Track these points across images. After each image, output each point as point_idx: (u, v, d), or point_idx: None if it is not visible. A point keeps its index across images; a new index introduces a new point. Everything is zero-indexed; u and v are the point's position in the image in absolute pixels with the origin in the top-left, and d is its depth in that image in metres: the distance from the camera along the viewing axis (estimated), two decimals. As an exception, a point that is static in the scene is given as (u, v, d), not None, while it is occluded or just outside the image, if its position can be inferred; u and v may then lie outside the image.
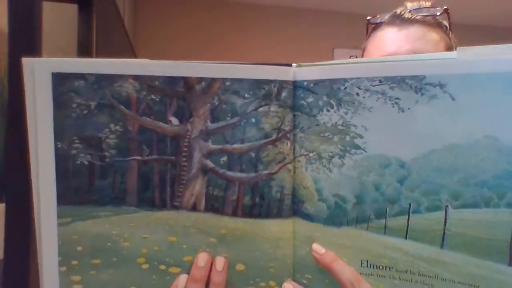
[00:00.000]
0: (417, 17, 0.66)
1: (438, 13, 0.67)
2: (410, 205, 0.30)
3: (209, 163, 0.30)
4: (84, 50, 0.55)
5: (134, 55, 1.80)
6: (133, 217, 0.29)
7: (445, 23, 0.69)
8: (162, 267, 0.30)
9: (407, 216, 0.30)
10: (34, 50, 0.29)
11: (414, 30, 0.65)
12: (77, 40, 0.54)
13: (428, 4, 0.73)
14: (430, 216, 0.29)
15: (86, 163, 0.28)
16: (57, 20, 1.17)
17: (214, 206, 0.30)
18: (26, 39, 0.29)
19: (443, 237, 0.29)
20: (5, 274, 0.28)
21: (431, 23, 0.67)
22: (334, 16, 3.28)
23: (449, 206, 0.29)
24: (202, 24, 3.03)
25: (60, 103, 0.27)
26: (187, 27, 3.01)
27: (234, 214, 0.30)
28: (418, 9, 0.70)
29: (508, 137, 0.27)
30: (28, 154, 0.29)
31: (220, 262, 0.31)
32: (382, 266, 0.31)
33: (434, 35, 0.66)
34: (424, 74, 0.29)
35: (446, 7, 0.69)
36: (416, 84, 0.29)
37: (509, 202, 0.28)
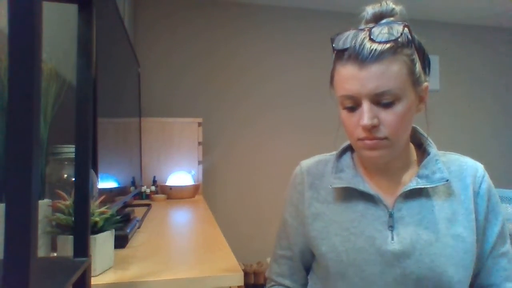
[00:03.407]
0: (377, 50, 0.65)
1: (399, 34, 0.66)
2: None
3: None
4: (84, 50, 0.54)
5: (134, 55, 1.80)
6: None
7: (408, 35, 0.68)
8: None
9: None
10: (34, 50, 0.29)
11: (376, 69, 0.65)
12: (77, 40, 0.54)
13: (391, 4, 0.71)
14: None
15: None
16: (57, 20, 1.17)
17: None
18: (26, 39, 0.29)
19: None
20: (5, 274, 0.28)
21: (392, 51, 0.66)
22: (334, 16, 3.29)
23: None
24: (202, 25, 3.04)
25: None
26: (187, 27, 3.01)
27: None
28: (379, 27, 0.68)
29: None
30: (28, 154, 0.29)
31: None
32: None
33: (395, 67, 0.66)
34: None
35: (405, 23, 0.68)
36: None
37: None
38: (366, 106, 0.67)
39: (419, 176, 0.74)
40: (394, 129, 0.67)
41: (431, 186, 0.72)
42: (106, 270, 0.77)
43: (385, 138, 0.68)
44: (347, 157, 0.82)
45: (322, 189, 0.81)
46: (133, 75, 1.76)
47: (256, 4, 3.13)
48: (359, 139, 0.70)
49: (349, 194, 0.77)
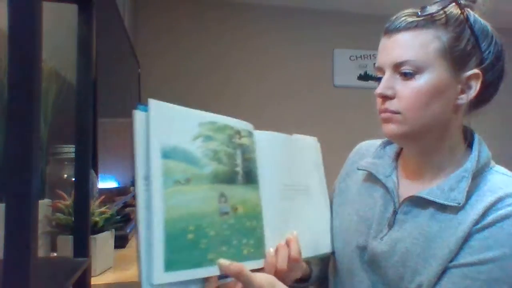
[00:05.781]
0: (407, 21, 0.64)
1: (434, 11, 0.63)
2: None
3: None
4: (84, 50, 0.54)
5: (134, 56, 1.80)
6: None
7: (446, 17, 0.64)
8: None
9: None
10: (34, 50, 0.29)
11: (401, 37, 0.64)
12: (77, 40, 0.54)
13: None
14: None
15: None
16: (57, 20, 1.17)
17: None
18: (26, 39, 0.29)
19: None
20: (5, 274, 0.28)
21: (423, 24, 0.63)
22: (334, 16, 3.28)
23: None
24: (202, 24, 3.04)
25: None
26: (187, 27, 3.01)
27: None
28: (422, 8, 0.66)
29: None
30: (28, 154, 0.29)
31: None
32: None
33: (421, 38, 0.63)
34: None
35: (459, 1, 0.64)
36: None
37: None
38: (386, 75, 0.65)
39: (438, 187, 0.66)
40: (408, 104, 0.63)
41: (439, 201, 0.64)
42: (106, 270, 0.77)
43: (398, 112, 0.64)
44: (393, 146, 0.78)
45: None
46: (133, 75, 1.76)
47: (255, 3, 3.13)
48: (379, 112, 0.67)
49: (375, 179, 0.75)
